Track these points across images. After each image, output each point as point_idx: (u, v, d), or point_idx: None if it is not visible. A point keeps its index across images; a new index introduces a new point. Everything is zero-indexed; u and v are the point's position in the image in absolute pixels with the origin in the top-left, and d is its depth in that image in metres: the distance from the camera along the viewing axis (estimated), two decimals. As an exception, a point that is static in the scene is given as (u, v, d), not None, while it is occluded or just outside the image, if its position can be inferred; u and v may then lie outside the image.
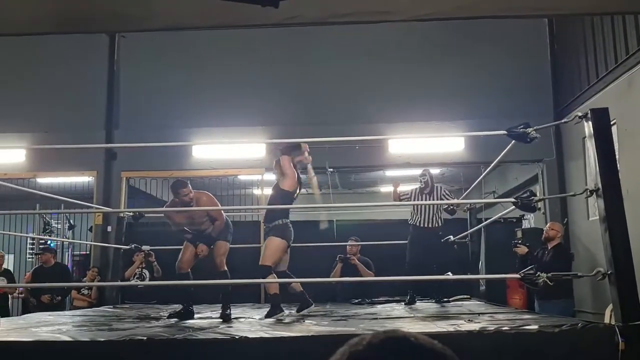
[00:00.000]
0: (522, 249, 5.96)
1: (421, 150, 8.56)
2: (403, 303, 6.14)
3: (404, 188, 6.67)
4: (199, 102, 8.80)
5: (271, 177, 8.92)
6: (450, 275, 5.62)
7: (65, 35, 8.13)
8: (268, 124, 8.59)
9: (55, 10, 3.10)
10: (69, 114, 8.75)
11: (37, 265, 8.18)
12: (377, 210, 9.14)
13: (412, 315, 4.91)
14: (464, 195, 8.18)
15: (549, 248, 5.94)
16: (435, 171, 6.82)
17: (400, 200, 6.35)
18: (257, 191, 9.79)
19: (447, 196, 6.40)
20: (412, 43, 8.64)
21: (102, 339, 3.19)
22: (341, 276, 6.72)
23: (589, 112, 3.46)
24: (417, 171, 6.59)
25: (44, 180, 9.66)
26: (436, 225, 6.29)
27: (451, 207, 6.53)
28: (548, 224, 6.31)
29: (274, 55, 8.89)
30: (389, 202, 10.40)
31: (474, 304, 5.98)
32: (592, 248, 6.78)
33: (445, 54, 8.69)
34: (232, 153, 8.82)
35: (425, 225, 6.25)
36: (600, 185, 3.28)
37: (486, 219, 7.62)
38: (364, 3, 3.07)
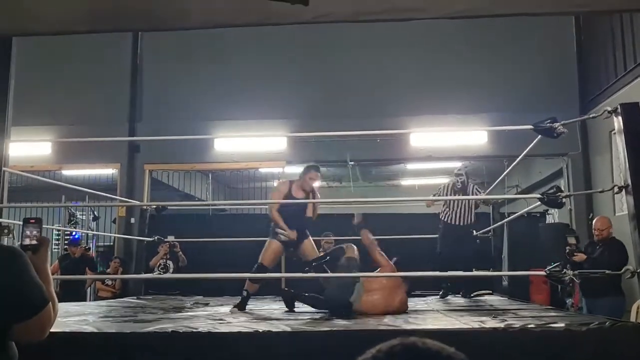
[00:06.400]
0: (581, 257, 5.40)
1: (443, 143, 8.49)
2: (438, 296, 6.08)
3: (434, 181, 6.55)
4: (220, 95, 8.84)
5: (292, 170, 8.93)
6: (474, 271, 5.55)
7: (89, 29, 8.19)
8: (290, 117, 8.59)
9: (87, 10, 3.11)
10: (94, 108, 8.88)
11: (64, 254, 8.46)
12: (399, 204, 9.09)
13: (435, 309, 4.88)
14: (488, 190, 8.10)
15: (601, 244, 5.48)
16: (457, 164, 6.73)
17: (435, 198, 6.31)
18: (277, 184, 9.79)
19: (478, 193, 6.35)
20: (434, 36, 8.55)
21: (128, 331, 3.24)
22: None
23: (619, 106, 3.39)
24: (439, 165, 6.52)
25: (69, 172, 9.81)
26: (468, 222, 6.25)
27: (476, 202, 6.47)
28: (597, 220, 5.72)
29: (295, 48, 8.88)
30: (410, 196, 10.35)
31: (496, 300, 5.92)
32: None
33: (468, 46, 8.59)
34: (254, 146, 8.86)
35: (457, 223, 6.22)
36: (629, 182, 3.22)
37: (509, 213, 7.53)
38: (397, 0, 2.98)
